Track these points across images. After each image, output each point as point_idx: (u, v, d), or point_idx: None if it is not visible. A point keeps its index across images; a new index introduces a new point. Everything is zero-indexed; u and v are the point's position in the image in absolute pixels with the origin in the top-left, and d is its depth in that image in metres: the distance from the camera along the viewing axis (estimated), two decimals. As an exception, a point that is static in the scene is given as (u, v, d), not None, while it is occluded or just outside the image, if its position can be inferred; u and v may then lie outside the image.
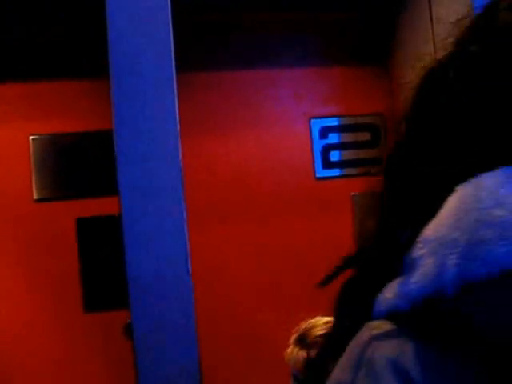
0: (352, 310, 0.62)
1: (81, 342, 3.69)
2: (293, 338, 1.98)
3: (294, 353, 1.79)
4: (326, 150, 4.00)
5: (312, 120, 3.98)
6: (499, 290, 0.47)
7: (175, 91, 2.81)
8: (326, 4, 3.75)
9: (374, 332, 0.54)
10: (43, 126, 3.75)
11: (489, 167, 0.52)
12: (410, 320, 0.52)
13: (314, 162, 3.97)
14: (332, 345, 0.62)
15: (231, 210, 3.85)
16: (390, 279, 0.55)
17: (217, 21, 3.79)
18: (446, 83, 0.59)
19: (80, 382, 3.67)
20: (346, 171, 4.01)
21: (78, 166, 3.78)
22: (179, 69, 2.84)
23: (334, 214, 3.94)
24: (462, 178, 0.53)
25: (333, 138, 4.02)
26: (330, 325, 0.67)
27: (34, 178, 3.71)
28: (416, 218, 0.55)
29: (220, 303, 3.74)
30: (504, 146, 0.53)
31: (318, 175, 3.98)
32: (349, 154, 4.03)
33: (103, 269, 3.71)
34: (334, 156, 4.01)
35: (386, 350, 0.52)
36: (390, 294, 0.54)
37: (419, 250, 0.52)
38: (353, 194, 3.95)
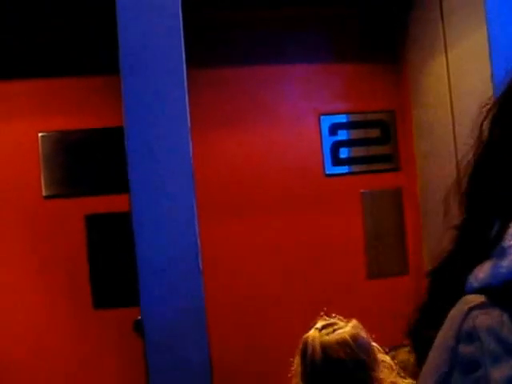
0: (446, 286, 0.74)
1: (91, 338, 3.69)
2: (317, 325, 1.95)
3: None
4: (336, 146, 3.98)
5: (322, 117, 3.97)
6: None
7: (185, 87, 2.80)
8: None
9: (471, 304, 0.65)
10: (52, 123, 3.76)
11: None
12: (500, 295, 0.64)
13: (323, 158, 3.95)
14: (430, 314, 0.74)
15: (240, 207, 3.84)
16: (477, 263, 0.67)
17: (221, 18, 3.78)
18: None
19: (91, 378, 3.67)
20: (356, 168, 4.00)
21: (87, 162, 3.78)
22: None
23: (343, 210, 3.92)
24: None
25: (342, 135, 4.00)
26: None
27: (42, 175, 3.71)
28: (505, 212, 0.67)
29: (228, 298, 3.73)
30: None
31: (327, 172, 3.97)
32: (358, 151, 4.02)
33: (112, 265, 3.71)
34: (344, 153, 4.00)
35: (486, 321, 0.63)
36: (482, 274, 0.66)
37: (509, 241, 0.65)
38: (362, 190, 3.94)
